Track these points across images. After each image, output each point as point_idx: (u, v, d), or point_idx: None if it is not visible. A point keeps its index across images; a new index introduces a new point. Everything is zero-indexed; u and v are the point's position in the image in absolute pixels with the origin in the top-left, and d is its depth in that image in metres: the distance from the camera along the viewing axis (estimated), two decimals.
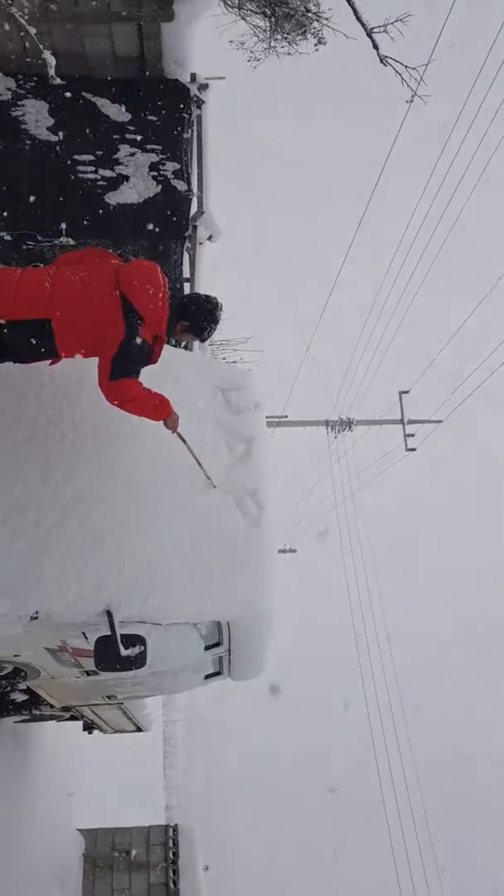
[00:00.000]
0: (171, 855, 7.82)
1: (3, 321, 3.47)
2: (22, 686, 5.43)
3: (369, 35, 7.90)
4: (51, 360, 3.74)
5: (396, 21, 7.67)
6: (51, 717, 6.56)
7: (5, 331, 3.50)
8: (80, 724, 7.37)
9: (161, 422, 3.84)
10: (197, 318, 3.75)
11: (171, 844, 7.90)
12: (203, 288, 6.54)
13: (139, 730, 7.17)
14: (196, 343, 5.50)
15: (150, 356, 3.69)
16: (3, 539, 3.72)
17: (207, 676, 4.97)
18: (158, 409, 3.75)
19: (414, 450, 15.92)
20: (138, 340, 3.53)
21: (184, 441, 4.05)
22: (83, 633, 3.88)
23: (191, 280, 6.23)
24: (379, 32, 7.81)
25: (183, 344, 6.46)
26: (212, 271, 6.82)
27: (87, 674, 4.48)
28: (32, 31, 4.32)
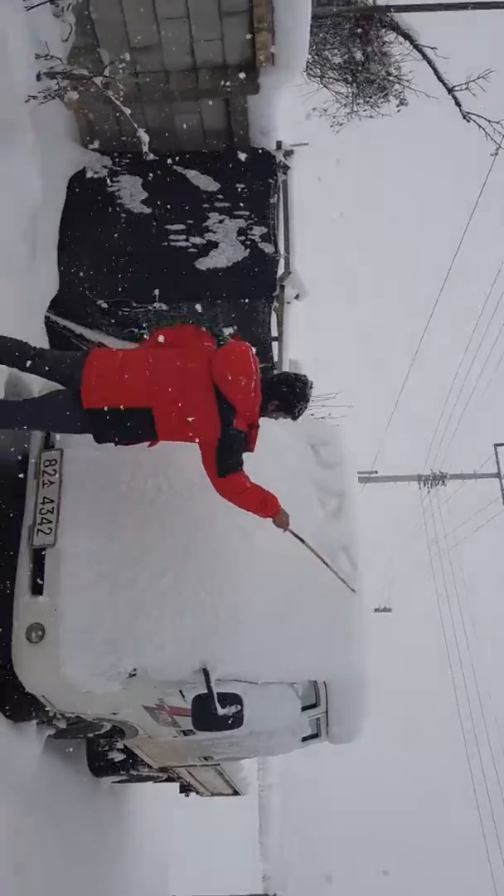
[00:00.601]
0: None
1: (106, 408, 3.59)
2: (120, 745, 5.45)
3: (451, 93, 8.02)
4: (150, 443, 3.83)
5: (478, 78, 7.77)
6: (148, 778, 6.53)
7: (107, 417, 3.61)
8: (176, 786, 7.32)
9: (270, 520, 3.85)
10: (288, 397, 3.79)
11: None
12: (290, 344, 6.63)
13: (236, 793, 7.04)
14: None
15: (247, 444, 3.74)
16: (101, 596, 3.79)
17: (305, 738, 4.85)
18: (265, 505, 3.77)
19: None
20: (234, 432, 3.61)
21: (302, 541, 3.97)
22: (180, 692, 3.87)
23: (279, 339, 6.34)
24: (461, 90, 7.93)
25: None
26: (299, 329, 6.92)
27: (184, 733, 4.44)
28: (127, 111, 4.58)
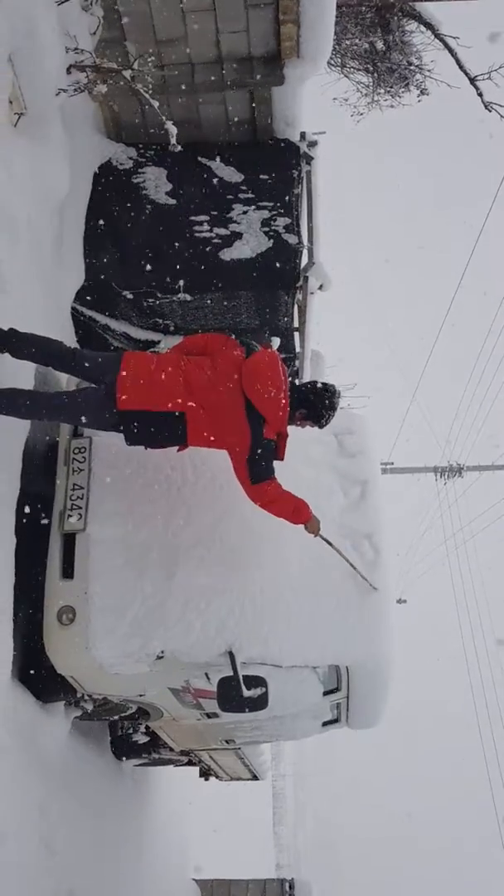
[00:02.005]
0: None
1: (139, 410, 3.65)
2: (143, 728, 5.56)
3: (473, 83, 8.00)
4: (178, 448, 3.89)
5: (500, 67, 7.74)
6: (169, 762, 6.65)
7: (141, 420, 3.67)
8: (195, 771, 7.43)
9: (302, 526, 3.93)
10: (315, 406, 3.85)
11: None
12: (312, 335, 6.67)
13: (255, 777, 7.14)
14: None
15: (277, 453, 3.80)
16: (130, 580, 3.88)
17: (325, 723, 4.94)
18: (297, 513, 3.84)
19: None
20: (264, 441, 3.67)
21: (330, 544, 4.07)
22: (206, 674, 3.96)
23: (301, 330, 6.38)
24: (483, 80, 7.90)
25: None
26: (321, 319, 6.95)
27: (208, 716, 4.54)
28: (156, 104, 4.63)
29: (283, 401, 3.71)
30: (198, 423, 3.68)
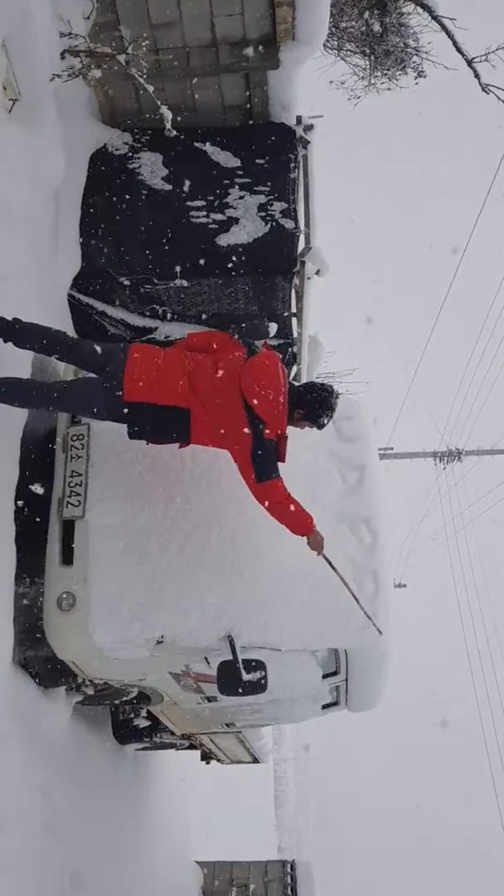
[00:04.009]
0: (289, 892, 7.73)
1: (145, 402, 3.65)
2: (144, 712, 5.60)
3: (470, 65, 7.95)
4: (180, 444, 3.89)
5: (498, 49, 7.70)
6: (170, 746, 6.70)
7: (146, 412, 3.68)
8: (197, 754, 7.48)
9: (305, 539, 3.89)
10: (313, 407, 3.86)
11: (289, 881, 7.81)
12: (310, 321, 6.66)
13: (256, 761, 7.20)
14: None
15: (278, 453, 3.79)
16: (129, 565, 3.91)
17: (325, 706, 4.97)
18: (300, 522, 3.81)
19: None
20: (266, 441, 3.67)
21: (334, 568, 3.99)
22: (205, 658, 3.99)
23: (298, 315, 6.37)
24: (480, 62, 7.86)
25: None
26: (318, 304, 6.94)
27: (208, 700, 4.57)
28: (150, 88, 4.60)
29: (282, 402, 3.71)
30: (202, 421, 3.69)
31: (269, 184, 5.73)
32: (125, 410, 3.67)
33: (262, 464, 3.66)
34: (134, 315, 5.90)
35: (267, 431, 3.68)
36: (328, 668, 4.42)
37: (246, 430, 3.64)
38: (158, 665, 4.11)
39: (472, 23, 8.05)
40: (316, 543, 3.90)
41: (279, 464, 3.76)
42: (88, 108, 5.79)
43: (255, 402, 3.65)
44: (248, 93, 5.81)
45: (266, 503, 3.73)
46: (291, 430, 3.92)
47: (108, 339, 5.90)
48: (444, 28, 8.01)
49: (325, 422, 3.93)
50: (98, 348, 3.84)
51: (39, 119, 4.72)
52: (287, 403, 3.74)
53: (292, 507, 3.75)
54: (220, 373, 3.73)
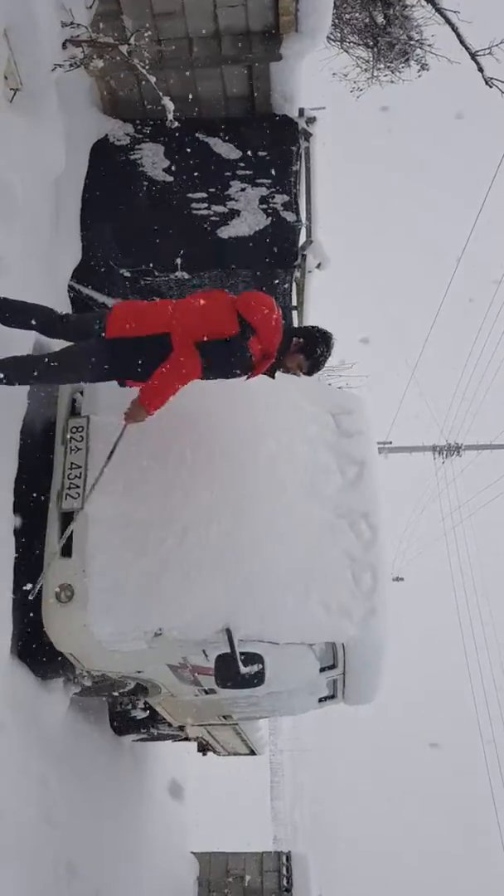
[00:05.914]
0: (284, 882, 7.77)
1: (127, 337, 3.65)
2: (142, 704, 5.62)
3: (474, 58, 7.90)
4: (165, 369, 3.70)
5: (502, 42, 7.65)
6: (167, 737, 6.72)
7: (128, 345, 3.65)
8: (194, 745, 7.51)
9: (142, 407, 3.68)
10: (313, 336, 3.82)
11: (284, 871, 7.85)
12: (310, 314, 6.66)
13: (252, 753, 7.22)
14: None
15: (246, 366, 3.74)
16: (127, 558, 3.90)
17: (322, 700, 4.99)
18: (156, 396, 3.63)
19: None
20: (244, 345, 3.63)
21: (111, 452, 3.84)
22: (203, 651, 4.00)
23: (299, 308, 6.36)
24: (484, 55, 7.81)
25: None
26: (319, 298, 6.93)
27: (206, 692, 4.59)
28: (153, 79, 4.58)
29: (275, 322, 3.68)
30: (184, 332, 3.63)
31: (270, 176, 5.72)
32: (108, 350, 3.66)
33: (216, 350, 3.60)
34: None
35: (253, 341, 3.64)
36: (325, 662, 4.43)
37: (235, 324, 3.61)
38: (156, 657, 4.11)
39: (475, 15, 8.00)
40: (133, 416, 3.71)
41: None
42: (90, 99, 5.76)
43: (248, 312, 3.63)
44: (250, 84, 5.80)
45: (181, 360, 3.58)
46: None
47: None
48: (447, 20, 7.95)
49: (321, 358, 3.84)
50: (83, 317, 3.92)
51: (41, 109, 4.69)
52: (283, 332, 3.72)
53: (173, 388, 3.63)
54: (210, 301, 3.74)
